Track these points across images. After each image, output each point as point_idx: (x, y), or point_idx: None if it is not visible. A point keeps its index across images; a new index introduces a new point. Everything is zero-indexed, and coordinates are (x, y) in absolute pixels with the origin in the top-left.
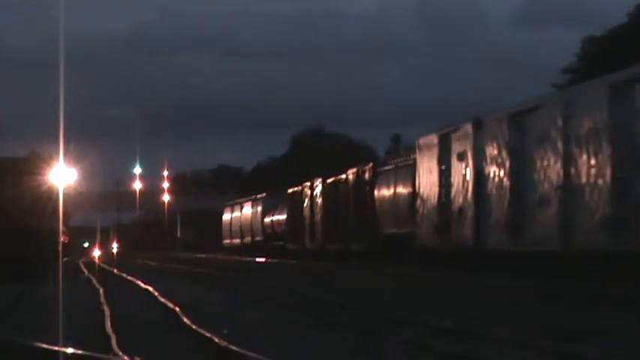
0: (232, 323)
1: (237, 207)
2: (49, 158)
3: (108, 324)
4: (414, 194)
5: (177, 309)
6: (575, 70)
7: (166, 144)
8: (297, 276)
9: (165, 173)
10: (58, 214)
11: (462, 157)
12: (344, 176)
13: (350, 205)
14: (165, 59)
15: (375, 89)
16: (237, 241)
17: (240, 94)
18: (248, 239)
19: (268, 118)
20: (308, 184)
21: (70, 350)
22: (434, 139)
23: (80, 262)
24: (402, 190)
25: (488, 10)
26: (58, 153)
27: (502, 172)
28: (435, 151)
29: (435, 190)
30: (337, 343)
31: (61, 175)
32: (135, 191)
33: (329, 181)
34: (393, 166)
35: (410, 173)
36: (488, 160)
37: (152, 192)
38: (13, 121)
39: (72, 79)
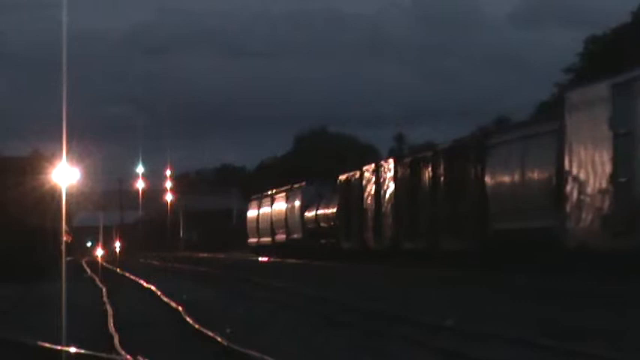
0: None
1: (267, 201)
2: (51, 157)
3: (110, 323)
4: (561, 173)
5: (180, 308)
6: (578, 69)
7: (169, 143)
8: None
9: (168, 172)
10: (61, 213)
11: None
12: (429, 154)
13: (439, 191)
14: (169, 58)
15: (377, 89)
16: (266, 239)
17: (244, 94)
18: (281, 237)
19: (271, 117)
20: (371, 166)
21: (73, 350)
22: (602, 90)
23: (83, 261)
24: (535, 168)
25: (489, 9)
26: (60, 152)
27: None
28: (605, 109)
29: (606, 166)
30: None
31: (64, 175)
32: (138, 191)
33: (406, 160)
34: (518, 136)
35: (550, 144)
36: None
37: (155, 191)
38: (16, 120)
39: (74, 78)
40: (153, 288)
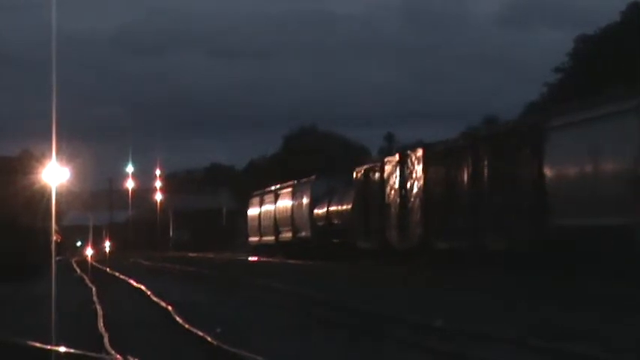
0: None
1: (270, 197)
2: (41, 157)
3: (100, 323)
4: None
5: (170, 308)
6: (567, 69)
7: (159, 143)
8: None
9: (158, 172)
10: (51, 213)
11: None
12: (467, 142)
13: (482, 184)
14: (158, 58)
15: (366, 88)
16: (269, 238)
17: (233, 94)
18: (287, 236)
19: (260, 117)
20: (394, 157)
21: (62, 349)
22: None
23: (73, 261)
24: (611, 155)
25: (477, 9)
26: (50, 152)
27: None
28: None
29: None
30: None
31: (54, 174)
32: (127, 190)
33: (437, 150)
34: (587, 117)
35: (631, 124)
36: None
37: (144, 191)
38: (6, 120)
39: (64, 78)
40: (143, 287)
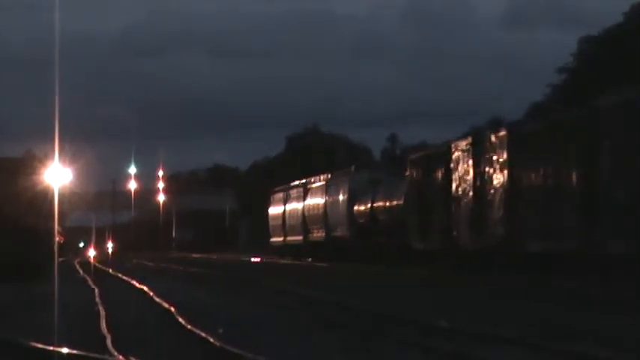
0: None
1: (296, 192)
2: (44, 158)
3: (103, 324)
4: None
5: (172, 309)
6: (572, 69)
7: (162, 144)
8: None
9: (161, 173)
10: (54, 214)
11: None
12: (575, 116)
13: (604, 171)
14: (161, 59)
15: (370, 89)
16: (295, 238)
17: (235, 94)
18: (319, 235)
19: (264, 117)
20: (465, 141)
21: (65, 350)
22: None
23: (76, 262)
24: None
25: (481, 9)
26: (53, 153)
27: None
28: None
29: None
30: None
31: (57, 175)
32: (130, 191)
33: (528, 130)
34: None
35: None
36: None
37: (147, 192)
38: (9, 121)
39: (67, 79)
40: (145, 288)
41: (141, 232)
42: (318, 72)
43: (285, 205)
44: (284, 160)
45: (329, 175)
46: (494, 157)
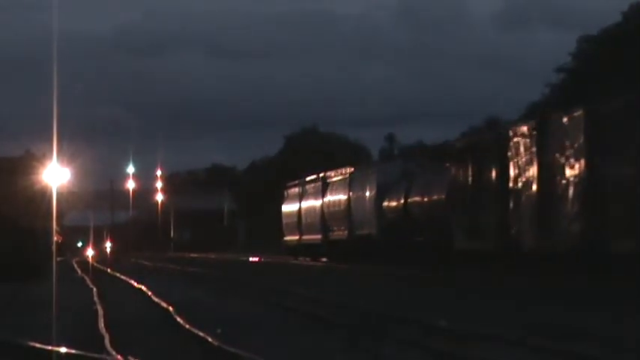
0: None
1: (314, 187)
2: (42, 158)
3: (101, 323)
4: None
5: (170, 308)
6: (570, 69)
7: (160, 143)
8: None
9: (159, 172)
10: (52, 213)
11: None
12: None
13: None
14: (159, 59)
15: (367, 89)
16: (312, 237)
17: (233, 94)
18: (340, 233)
19: (261, 117)
20: (527, 125)
21: (63, 350)
22: None
23: (74, 261)
24: None
25: (479, 9)
26: (51, 153)
27: None
28: None
29: None
30: None
31: (55, 175)
32: (128, 191)
33: (613, 108)
34: None
35: None
36: None
37: (146, 191)
38: (7, 120)
39: (65, 78)
40: (143, 288)
41: (139, 231)
42: (316, 72)
43: (300, 201)
44: (282, 160)
45: (352, 169)
46: (568, 143)
